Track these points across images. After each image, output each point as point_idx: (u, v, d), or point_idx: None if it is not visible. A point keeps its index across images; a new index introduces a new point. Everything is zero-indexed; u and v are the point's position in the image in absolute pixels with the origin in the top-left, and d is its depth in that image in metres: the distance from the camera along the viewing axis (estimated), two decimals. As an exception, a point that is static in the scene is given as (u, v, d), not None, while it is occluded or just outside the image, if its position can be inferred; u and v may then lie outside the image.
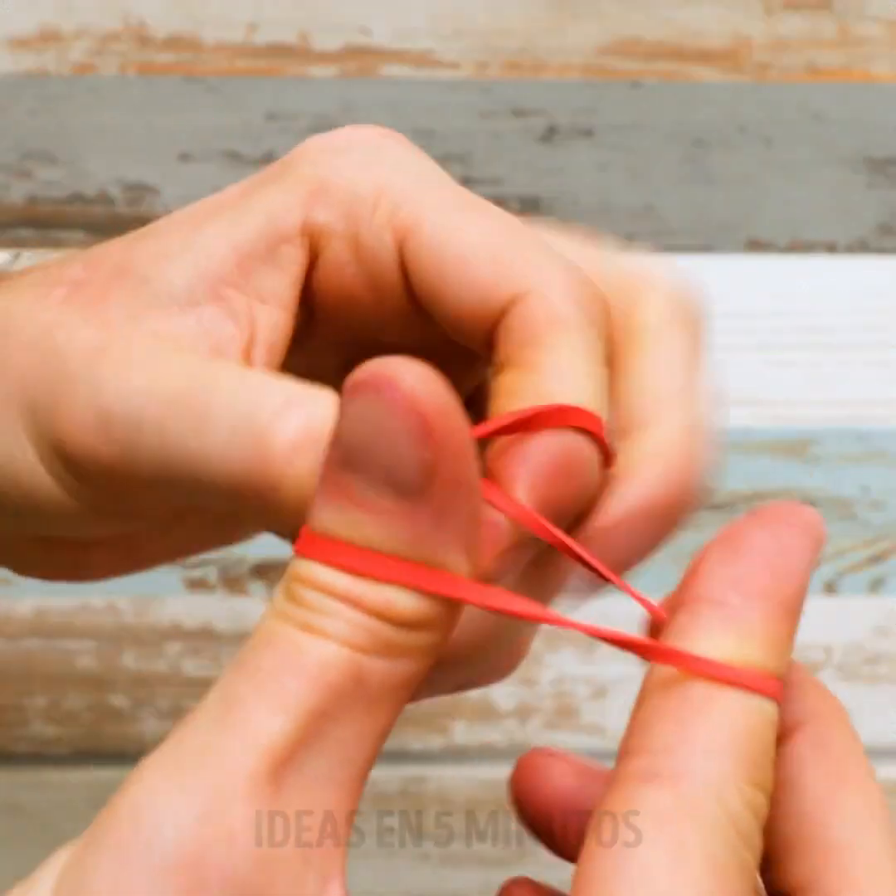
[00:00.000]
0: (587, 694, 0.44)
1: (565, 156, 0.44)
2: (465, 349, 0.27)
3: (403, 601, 0.20)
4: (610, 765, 0.45)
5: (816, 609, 0.44)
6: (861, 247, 0.44)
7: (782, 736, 0.23)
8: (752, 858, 0.21)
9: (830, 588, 0.44)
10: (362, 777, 0.22)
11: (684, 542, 0.45)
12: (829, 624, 0.44)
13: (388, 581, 0.20)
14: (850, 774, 0.25)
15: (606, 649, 0.44)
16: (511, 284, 0.26)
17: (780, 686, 0.23)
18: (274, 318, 0.27)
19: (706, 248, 0.44)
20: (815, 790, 0.24)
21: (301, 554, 0.20)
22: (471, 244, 0.26)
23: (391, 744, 0.45)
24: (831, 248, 0.44)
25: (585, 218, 0.44)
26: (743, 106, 0.44)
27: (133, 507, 0.28)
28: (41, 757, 0.44)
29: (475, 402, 0.29)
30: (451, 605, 0.21)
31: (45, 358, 0.26)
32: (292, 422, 0.23)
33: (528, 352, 0.25)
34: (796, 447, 0.44)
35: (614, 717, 0.44)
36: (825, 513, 0.44)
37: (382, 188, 0.27)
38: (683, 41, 0.44)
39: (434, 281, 0.27)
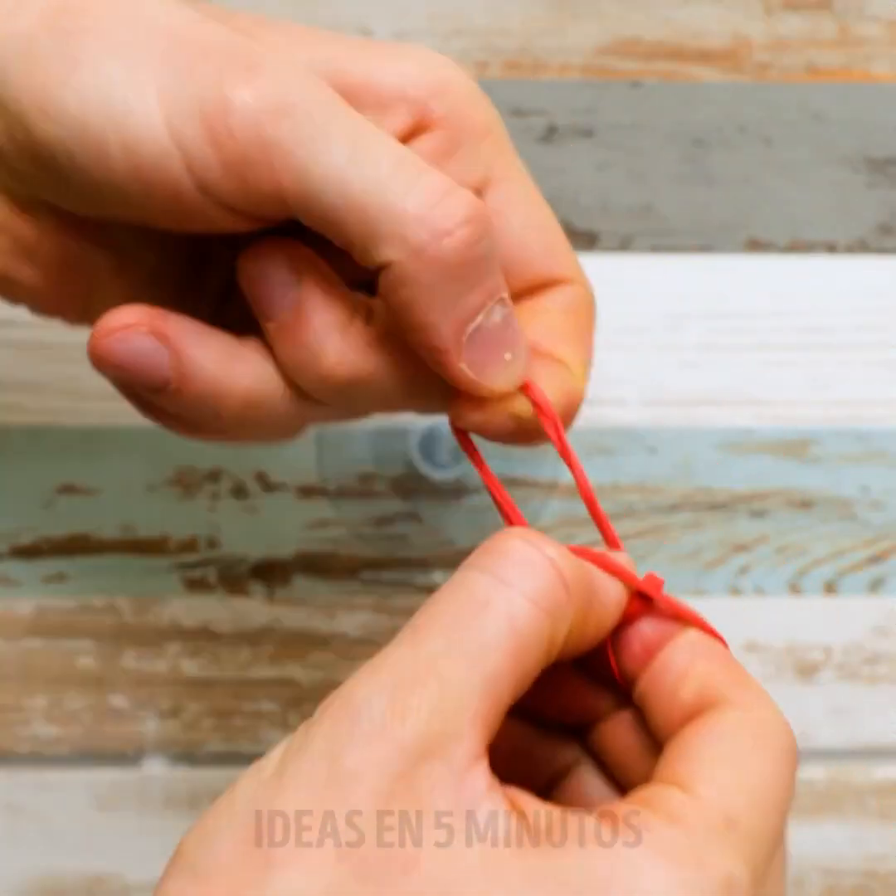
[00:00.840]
0: (587, 694, 0.44)
1: (565, 156, 0.44)
2: None
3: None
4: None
5: (816, 609, 0.44)
6: (861, 247, 0.44)
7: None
8: None
9: (830, 588, 0.44)
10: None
11: (684, 543, 0.45)
12: (829, 624, 0.44)
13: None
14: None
15: (606, 649, 0.44)
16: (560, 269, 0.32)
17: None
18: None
19: (706, 248, 0.44)
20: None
21: None
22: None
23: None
24: (831, 249, 0.44)
25: (585, 218, 0.44)
26: (743, 106, 0.44)
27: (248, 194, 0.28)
28: (41, 757, 0.43)
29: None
30: None
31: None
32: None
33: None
34: (796, 447, 0.44)
35: (614, 716, 0.44)
36: (825, 513, 0.44)
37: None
38: (683, 41, 0.44)
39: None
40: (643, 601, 0.30)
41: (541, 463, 0.44)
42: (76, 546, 0.44)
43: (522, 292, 0.32)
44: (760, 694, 0.28)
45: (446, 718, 0.26)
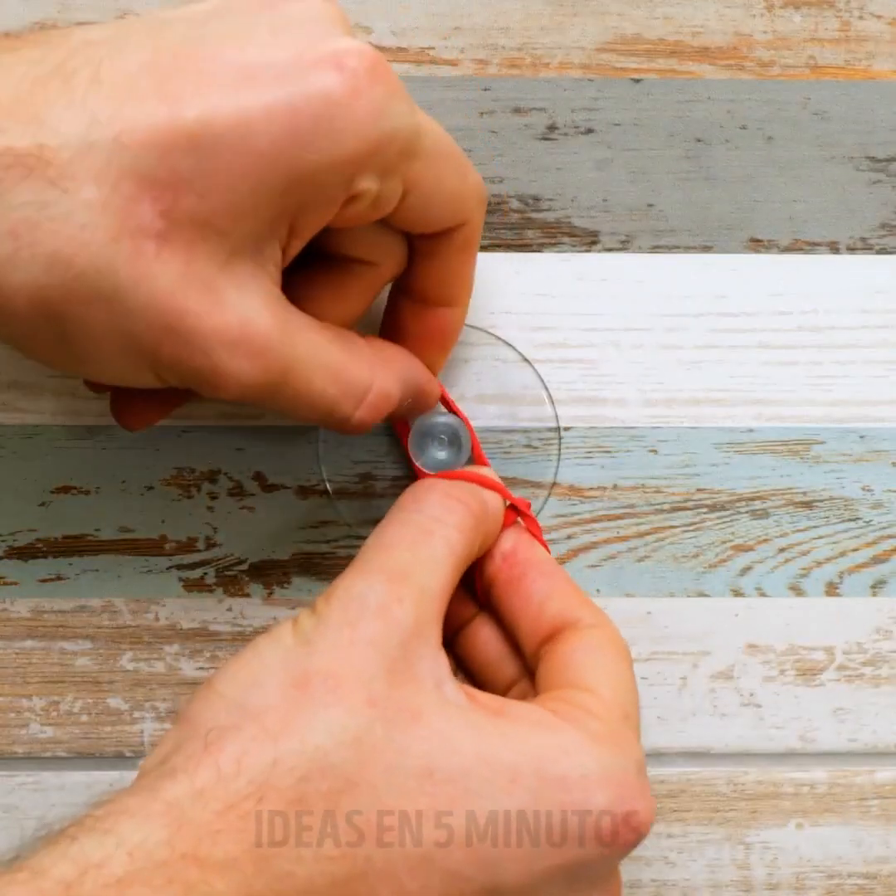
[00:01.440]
0: (587, 695, 0.44)
1: (565, 154, 0.44)
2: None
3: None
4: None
5: (818, 610, 0.44)
6: (863, 246, 0.44)
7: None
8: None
9: (832, 589, 0.44)
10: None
11: (685, 543, 0.45)
12: (830, 624, 0.44)
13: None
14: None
15: (607, 650, 0.44)
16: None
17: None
18: (300, 246, 0.35)
19: (707, 246, 0.44)
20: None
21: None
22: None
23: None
24: (833, 247, 0.44)
25: (585, 216, 0.44)
26: (744, 104, 0.44)
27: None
28: (38, 758, 0.43)
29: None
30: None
31: (177, 342, 0.33)
32: (356, 417, 0.37)
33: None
34: (796, 447, 0.44)
35: (615, 718, 0.44)
36: (826, 513, 0.44)
37: (406, 149, 0.35)
38: (684, 38, 0.44)
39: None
40: (512, 513, 0.40)
41: (540, 463, 0.44)
42: (73, 547, 0.43)
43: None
44: (600, 611, 0.39)
45: (426, 608, 0.35)
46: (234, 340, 0.34)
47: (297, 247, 0.35)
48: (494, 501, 0.39)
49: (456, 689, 0.34)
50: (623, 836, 0.34)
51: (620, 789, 0.34)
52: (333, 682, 0.33)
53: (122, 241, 0.32)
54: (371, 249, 0.38)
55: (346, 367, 0.36)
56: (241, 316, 0.34)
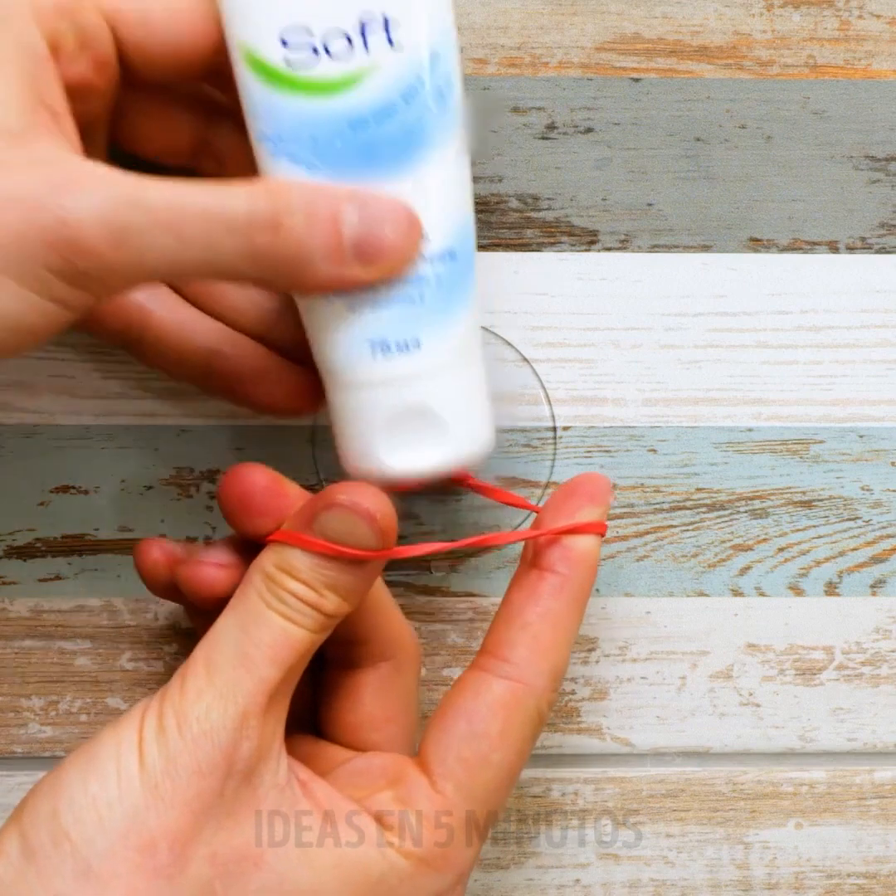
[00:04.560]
0: (587, 694, 0.44)
1: (564, 153, 0.44)
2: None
3: (337, 606, 0.35)
4: (610, 766, 0.45)
5: (818, 609, 0.44)
6: (862, 245, 0.44)
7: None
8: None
9: (832, 588, 0.44)
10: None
11: (685, 543, 0.45)
12: (830, 624, 0.44)
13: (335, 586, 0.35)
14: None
15: (606, 650, 0.44)
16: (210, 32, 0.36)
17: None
18: (68, 125, 0.34)
19: (706, 246, 0.44)
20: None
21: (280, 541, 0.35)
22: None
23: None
24: (832, 247, 0.44)
25: (584, 216, 0.44)
26: (743, 103, 0.44)
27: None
28: (37, 758, 0.43)
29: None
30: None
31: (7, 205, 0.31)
32: (260, 202, 0.33)
33: None
34: (796, 447, 0.44)
35: (614, 717, 0.44)
36: (825, 512, 0.44)
37: None
38: (683, 38, 0.43)
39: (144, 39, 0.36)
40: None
41: (539, 463, 0.44)
42: (73, 546, 0.43)
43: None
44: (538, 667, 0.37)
45: (274, 728, 0.35)
46: (47, 180, 0.32)
47: (66, 126, 0.34)
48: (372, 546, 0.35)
49: (293, 792, 0.35)
50: None
51: None
52: (178, 848, 0.33)
53: None
54: (192, 117, 0.39)
55: (213, 182, 0.33)
56: (39, 169, 0.32)
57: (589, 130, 0.44)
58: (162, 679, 0.43)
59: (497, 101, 0.43)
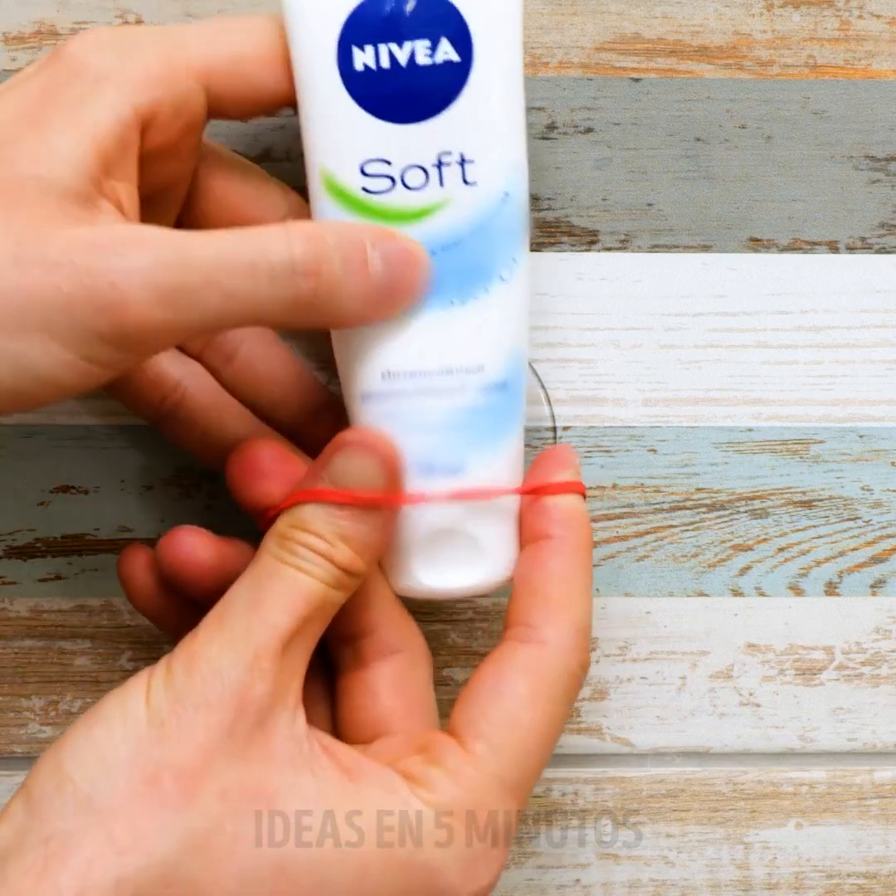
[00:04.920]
0: (587, 694, 0.44)
1: (564, 153, 0.44)
2: None
3: (350, 559, 0.35)
4: (610, 766, 0.45)
5: (818, 609, 0.44)
6: (862, 245, 0.44)
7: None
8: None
9: (832, 588, 0.44)
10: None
11: (685, 543, 0.45)
12: (830, 624, 0.44)
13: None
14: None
15: (606, 650, 0.44)
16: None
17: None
18: (131, 192, 0.35)
19: (706, 246, 0.44)
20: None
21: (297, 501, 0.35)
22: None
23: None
24: (832, 247, 0.44)
25: (584, 216, 0.44)
26: (743, 103, 0.44)
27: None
28: (38, 758, 0.43)
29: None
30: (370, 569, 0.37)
31: (34, 271, 0.31)
32: (299, 249, 0.33)
33: None
34: (796, 447, 0.44)
35: (614, 717, 0.44)
36: (826, 513, 0.44)
37: (174, 58, 0.35)
38: (683, 38, 0.43)
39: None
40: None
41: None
42: (72, 546, 0.43)
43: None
44: (568, 626, 0.37)
45: (289, 674, 0.34)
46: (96, 244, 0.32)
47: (128, 193, 0.34)
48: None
49: (311, 747, 0.34)
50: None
51: (468, 870, 0.34)
52: (185, 780, 0.32)
53: None
54: (267, 204, 0.39)
55: (252, 228, 0.34)
56: (91, 231, 0.32)
57: (589, 130, 0.44)
58: (162, 679, 0.43)
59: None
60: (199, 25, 0.36)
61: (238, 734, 0.33)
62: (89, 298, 0.31)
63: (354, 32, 0.36)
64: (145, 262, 0.32)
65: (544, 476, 0.38)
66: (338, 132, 0.37)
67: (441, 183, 0.37)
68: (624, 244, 0.44)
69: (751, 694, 0.44)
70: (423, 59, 0.36)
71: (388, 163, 0.37)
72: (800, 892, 0.44)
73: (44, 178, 0.32)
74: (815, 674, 0.44)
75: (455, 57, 0.36)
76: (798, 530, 0.44)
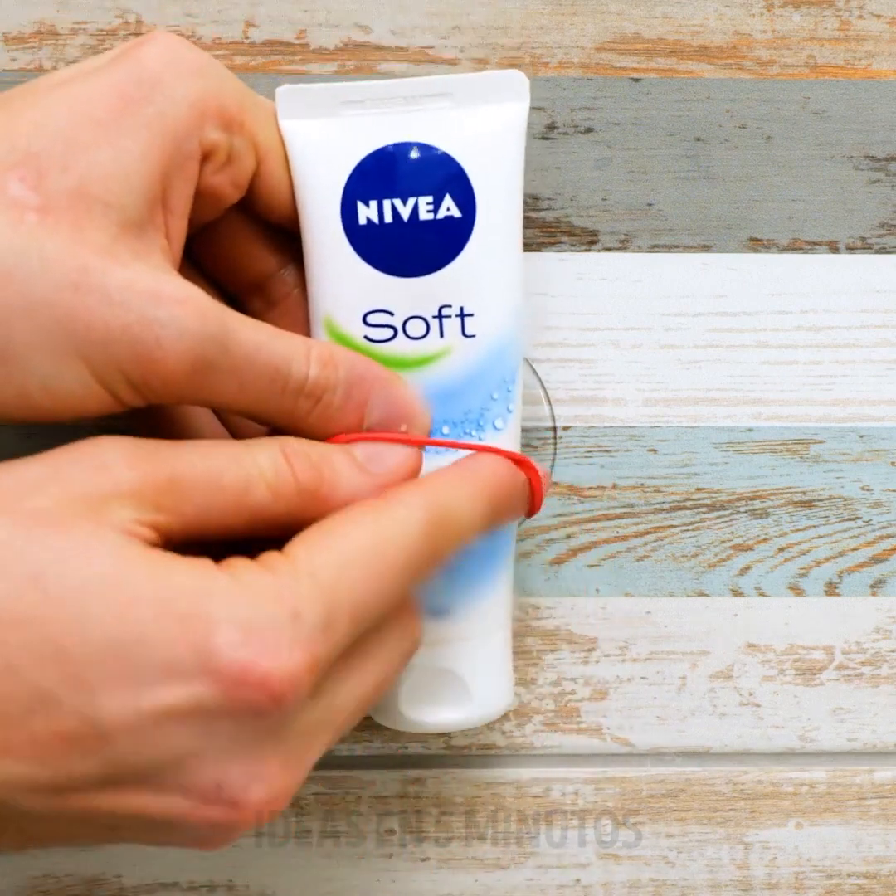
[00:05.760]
0: (587, 694, 0.44)
1: (564, 153, 0.44)
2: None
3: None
4: (610, 766, 0.45)
5: (818, 609, 0.44)
6: (862, 245, 0.44)
7: None
8: None
9: (832, 588, 0.44)
10: None
11: (685, 543, 0.45)
12: (830, 624, 0.44)
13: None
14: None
15: (606, 650, 0.44)
16: None
17: None
18: (181, 227, 0.35)
19: (706, 246, 0.44)
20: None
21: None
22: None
23: (390, 746, 0.45)
24: (832, 247, 0.44)
25: (584, 216, 0.44)
26: (743, 103, 0.44)
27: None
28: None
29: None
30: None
31: (91, 300, 0.32)
32: (314, 371, 0.35)
33: None
34: (796, 447, 0.44)
35: (614, 717, 0.44)
36: (826, 513, 0.44)
37: (242, 104, 0.36)
38: (683, 38, 0.43)
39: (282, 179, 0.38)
40: None
41: (540, 463, 0.44)
42: (72, 546, 0.43)
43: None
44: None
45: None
46: (155, 294, 0.33)
47: (178, 227, 0.35)
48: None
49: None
50: (246, 691, 0.30)
51: (253, 636, 0.31)
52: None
53: (1, 214, 0.32)
54: (269, 255, 0.39)
55: (281, 332, 0.35)
56: (151, 275, 0.33)
57: (589, 130, 0.44)
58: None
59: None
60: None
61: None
62: (131, 343, 0.32)
63: (359, 187, 0.37)
64: (193, 328, 0.33)
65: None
66: (341, 283, 0.37)
67: (441, 334, 0.38)
68: (624, 244, 0.44)
69: (751, 694, 0.44)
70: (425, 215, 0.37)
71: (391, 313, 0.37)
72: (800, 892, 0.44)
73: (112, 204, 0.33)
74: (815, 674, 0.44)
75: (457, 213, 0.37)
76: (798, 530, 0.44)
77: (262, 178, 0.37)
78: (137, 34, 0.43)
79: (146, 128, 0.34)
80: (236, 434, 0.41)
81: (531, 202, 0.43)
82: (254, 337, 0.34)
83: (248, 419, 0.36)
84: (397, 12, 0.43)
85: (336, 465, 0.35)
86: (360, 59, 0.43)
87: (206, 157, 0.35)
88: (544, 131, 0.44)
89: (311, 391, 0.35)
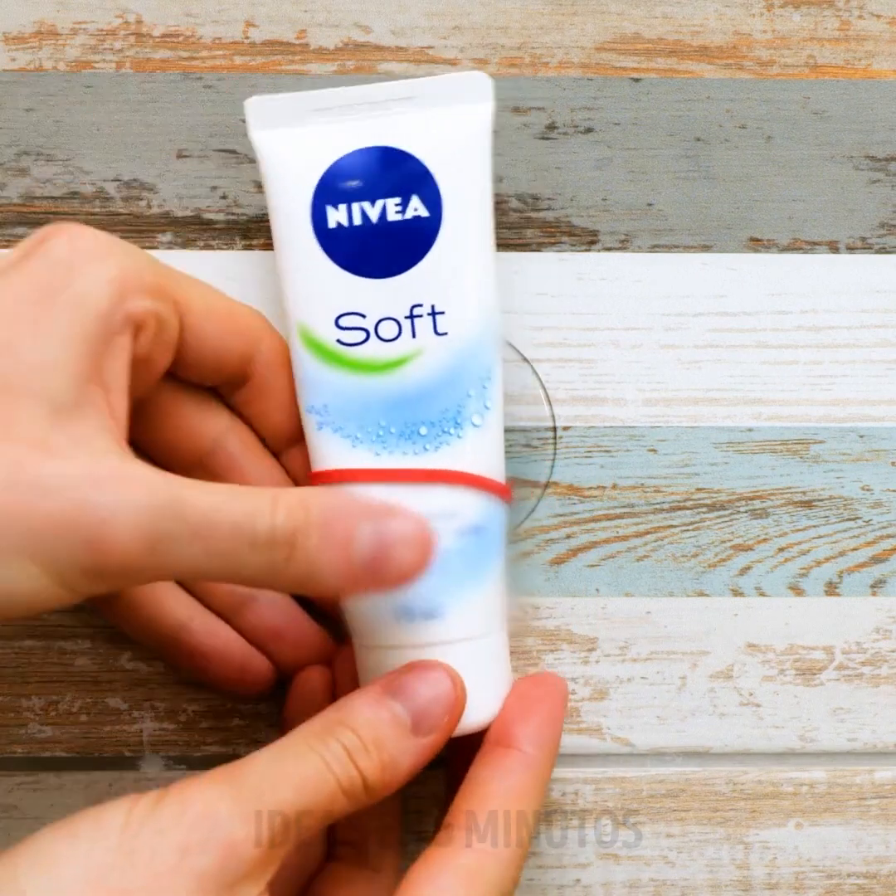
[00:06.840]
0: (587, 694, 0.44)
1: (564, 153, 0.44)
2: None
3: (376, 771, 0.36)
4: (610, 766, 0.45)
5: (818, 609, 0.44)
6: (862, 245, 0.44)
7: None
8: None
9: (832, 588, 0.44)
10: None
11: (685, 543, 0.45)
12: (830, 624, 0.44)
13: None
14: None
15: (606, 650, 0.44)
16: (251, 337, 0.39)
17: None
18: (122, 402, 0.35)
19: (706, 246, 0.44)
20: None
21: None
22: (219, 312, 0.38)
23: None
24: (832, 247, 0.44)
25: (584, 216, 0.44)
26: (743, 103, 0.44)
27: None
28: (38, 758, 0.43)
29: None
30: None
31: (29, 495, 0.31)
32: (281, 519, 0.33)
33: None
34: (796, 447, 0.44)
35: (614, 717, 0.44)
36: (826, 513, 0.44)
37: (156, 271, 0.36)
38: (683, 38, 0.43)
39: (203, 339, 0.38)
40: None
41: (539, 463, 0.44)
42: (72, 546, 0.43)
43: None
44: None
45: (267, 855, 0.33)
46: (92, 477, 0.32)
47: (119, 402, 0.34)
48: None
49: None
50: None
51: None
52: None
53: None
54: (203, 430, 0.40)
55: (244, 488, 0.34)
56: (89, 459, 0.32)
57: (589, 130, 0.44)
58: (162, 679, 0.43)
59: (497, 101, 0.44)
60: None
61: (208, 886, 0.32)
62: (77, 531, 0.31)
63: (328, 192, 0.38)
64: (139, 504, 0.32)
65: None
66: (313, 287, 0.38)
67: (413, 334, 0.38)
68: (624, 244, 0.44)
69: (751, 694, 0.44)
70: (394, 216, 0.38)
71: (363, 316, 0.38)
72: (800, 892, 0.44)
73: (39, 393, 0.32)
74: (815, 674, 0.44)
75: (425, 212, 0.38)
76: (798, 530, 0.44)
77: (188, 335, 0.37)
78: (138, 34, 0.43)
79: (66, 311, 0.33)
80: (207, 603, 0.41)
81: (531, 202, 0.44)
82: (210, 499, 0.32)
83: (227, 583, 0.35)
84: (397, 12, 0.43)
85: (390, 747, 0.36)
86: (360, 59, 0.43)
87: (138, 328, 0.35)
88: (544, 131, 0.44)
89: (283, 539, 0.33)
